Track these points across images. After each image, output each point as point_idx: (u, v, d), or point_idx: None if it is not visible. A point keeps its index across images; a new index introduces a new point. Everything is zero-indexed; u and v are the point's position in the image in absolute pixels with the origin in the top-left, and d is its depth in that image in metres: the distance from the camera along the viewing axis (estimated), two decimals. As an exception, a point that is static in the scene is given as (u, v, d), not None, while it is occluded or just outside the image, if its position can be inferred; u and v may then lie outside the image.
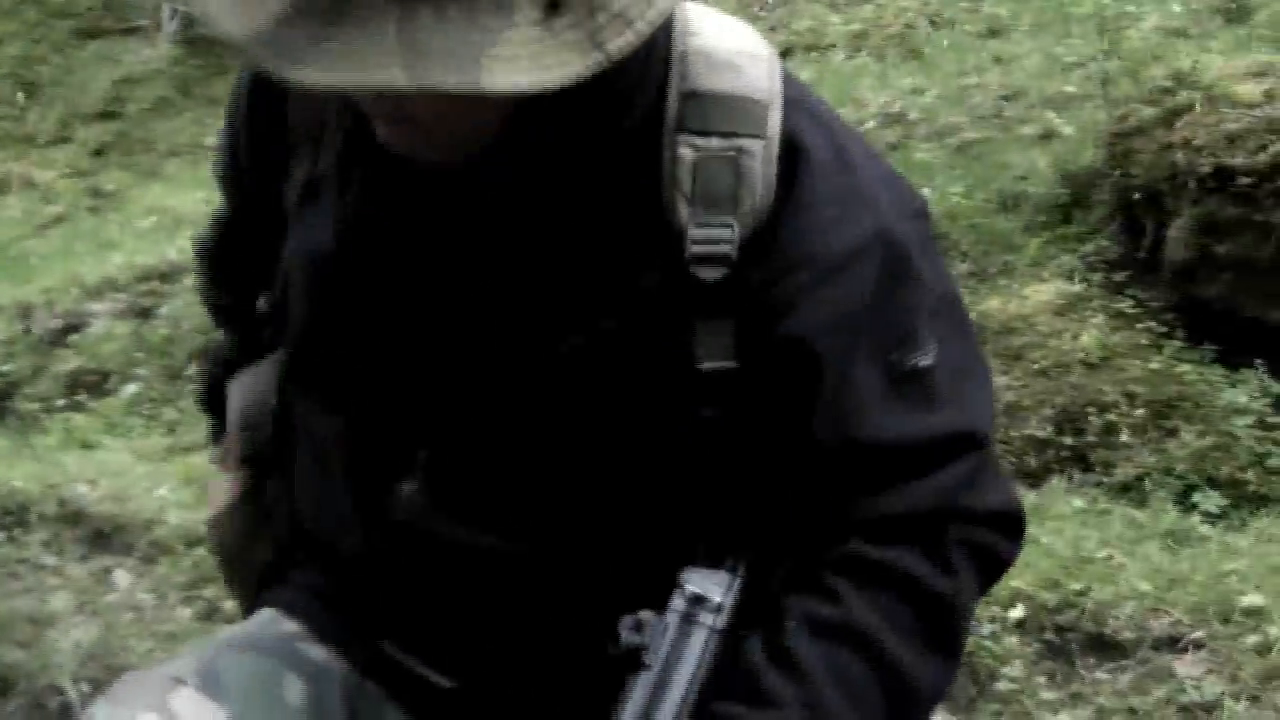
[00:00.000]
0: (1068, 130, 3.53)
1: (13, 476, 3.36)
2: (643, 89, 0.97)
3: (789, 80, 1.01)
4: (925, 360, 0.98)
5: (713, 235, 0.96)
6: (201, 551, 2.86)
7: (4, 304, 4.28)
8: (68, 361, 3.94)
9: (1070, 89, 3.76)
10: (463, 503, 1.02)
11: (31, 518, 3.20)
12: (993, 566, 1.06)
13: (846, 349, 0.98)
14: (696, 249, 0.96)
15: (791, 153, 0.97)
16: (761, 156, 0.96)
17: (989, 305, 3.01)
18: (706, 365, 0.98)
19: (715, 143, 0.96)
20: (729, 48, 0.99)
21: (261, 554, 1.18)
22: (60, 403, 3.83)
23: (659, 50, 0.97)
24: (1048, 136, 3.57)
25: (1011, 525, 1.06)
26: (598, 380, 0.99)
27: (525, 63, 0.81)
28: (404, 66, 0.79)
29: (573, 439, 1.00)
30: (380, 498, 1.04)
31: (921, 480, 0.99)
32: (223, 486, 1.20)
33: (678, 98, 0.97)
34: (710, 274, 0.97)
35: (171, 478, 3.16)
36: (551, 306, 0.99)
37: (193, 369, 3.65)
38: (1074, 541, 2.39)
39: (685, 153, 0.96)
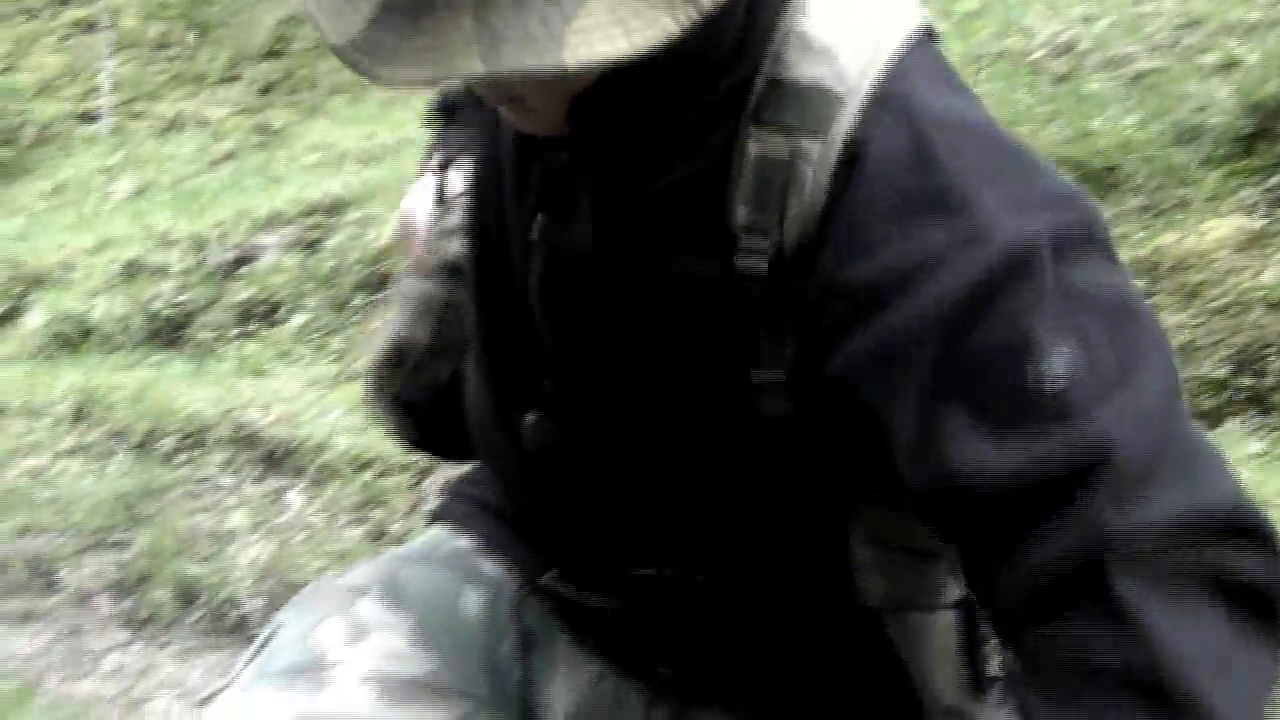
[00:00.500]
0: (1251, 59, 3.36)
1: (191, 401, 3.51)
2: (731, 69, 0.89)
3: (905, 68, 0.88)
4: (1049, 370, 0.82)
5: (753, 245, 0.89)
6: (369, 475, 2.96)
7: (180, 237, 4.44)
8: (240, 292, 4.08)
9: (1254, 15, 3.58)
10: (583, 437, 1.03)
11: (209, 440, 3.34)
12: (1239, 591, 0.78)
13: (906, 383, 0.84)
14: (739, 260, 0.89)
15: (851, 158, 0.86)
16: (817, 160, 0.86)
17: (1163, 240, 2.90)
18: (757, 374, 0.91)
19: (777, 140, 0.88)
20: (834, 31, 0.89)
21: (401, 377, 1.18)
22: (233, 331, 3.97)
23: (761, 30, 0.89)
24: (1229, 65, 3.41)
25: (1229, 530, 0.79)
26: (664, 355, 0.95)
27: (610, 30, 0.77)
28: (480, 55, 0.77)
29: (652, 397, 0.98)
30: (513, 422, 1.05)
31: (1055, 516, 0.80)
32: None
33: (764, 84, 0.88)
34: (753, 287, 0.89)
35: (339, 404, 3.25)
36: (628, 276, 0.96)
37: (358, 299, 3.74)
38: (1252, 486, 2.30)
39: (752, 147, 0.88)
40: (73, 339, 4.38)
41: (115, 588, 2.98)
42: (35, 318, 4.62)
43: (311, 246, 4.10)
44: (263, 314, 3.95)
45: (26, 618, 2.99)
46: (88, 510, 3.24)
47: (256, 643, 1.10)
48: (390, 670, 1.05)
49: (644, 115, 0.91)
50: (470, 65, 0.77)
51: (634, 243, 0.95)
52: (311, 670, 1.04)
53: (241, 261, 4.19)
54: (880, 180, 0.85)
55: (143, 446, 3.46)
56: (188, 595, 2.84)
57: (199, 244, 4.34)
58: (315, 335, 3.75)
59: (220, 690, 1.07)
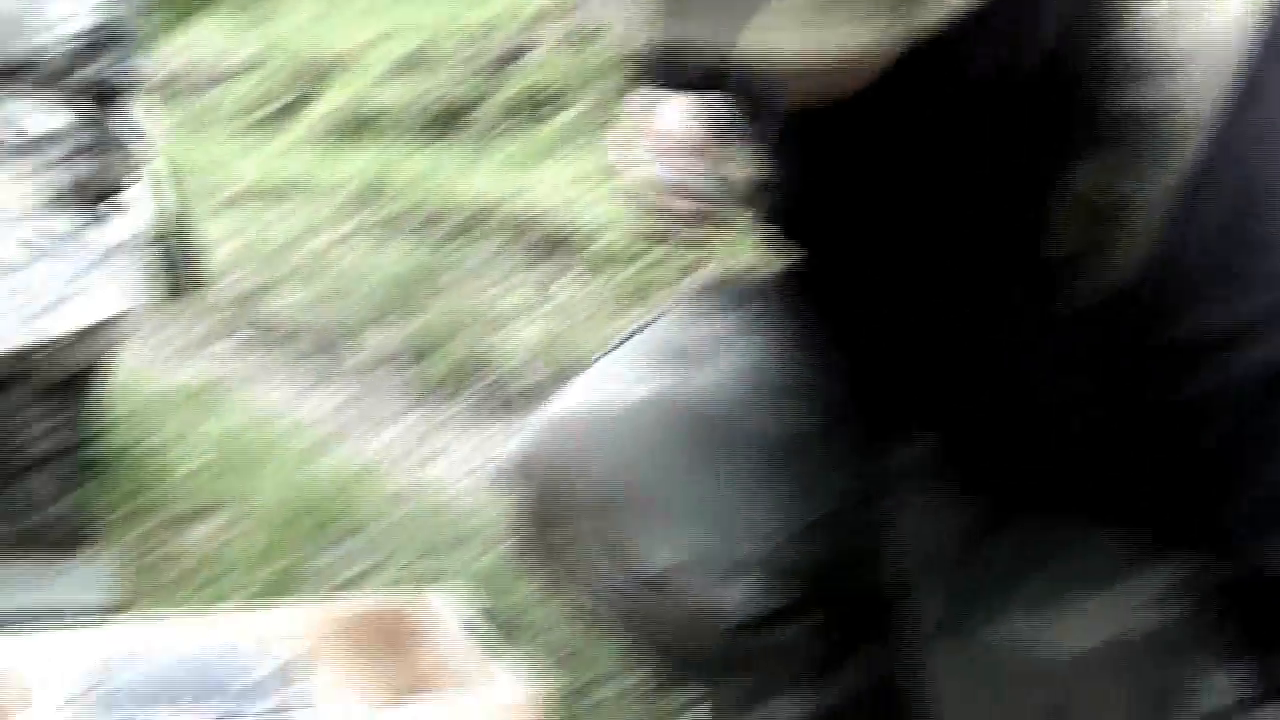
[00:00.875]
0: None
1: (466, 189, 3.60)
2: (1052, 78, 0.80)
3: (1262, 74, 0.78)
4: None
5: (1074, 268, 0.82)
6: (638, 267, 2.99)
7: (454, 29, 4.50)
8: (513, 85, 4.13)
9: None
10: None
11: (485, 226, 3.44)
12: None
13: (1208, 446, 0.82)
14: (1038, 285, 0.83)
15: (1187, 197, 0.77)
16: (1150, 195, 0.78)
17: None
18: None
19: (1109, 165, 0.78)
20: (1185, 35, 0.77)
21: None
22: (509, 122, 4.04)
23: (1096, 34, 0.78)
24: None
25: None
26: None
27: (810, 22, 0.68)
28: (662, 14, 0.71)
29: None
30: None
31: None
32: None
33: (1097, 99, 0.78)
34: (1055, 313, 0.84)
35: (611, 196, 3.28)
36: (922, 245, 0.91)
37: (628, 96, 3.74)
38: None
39: (1077, 171, 0.79)
40: (356, 126, 4.55)
41: (397, 361, 3.14)
42: (321, 106, 4.81)
43: (583, 42, 4.10)
44: (538, 105, 3.99)
45: (316, 384, 3.20)
46: (371, 287, 3.40)
47: (622, 335, 1.15)
48: (756, 373, 1.08)
49: (941, 109, 0.83)
50: (649, 24, 0.72)
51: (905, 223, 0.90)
52: (676, 359, 1.08)
53: (514, 55, 4.23)
54: (1211, 229, 0.78)
55: (422, 229, 3.59)
56: (465, 371, 2.97)
57: (476, 36, 4.39)
58: (589, 128, 3.77)
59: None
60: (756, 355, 1.09)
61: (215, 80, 5.56)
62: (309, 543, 2.17)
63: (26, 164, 1.95)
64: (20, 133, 1.94)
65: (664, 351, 1.09)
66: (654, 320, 1.14)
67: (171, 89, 5.54)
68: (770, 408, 1.07)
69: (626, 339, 1.13)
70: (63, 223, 1.99)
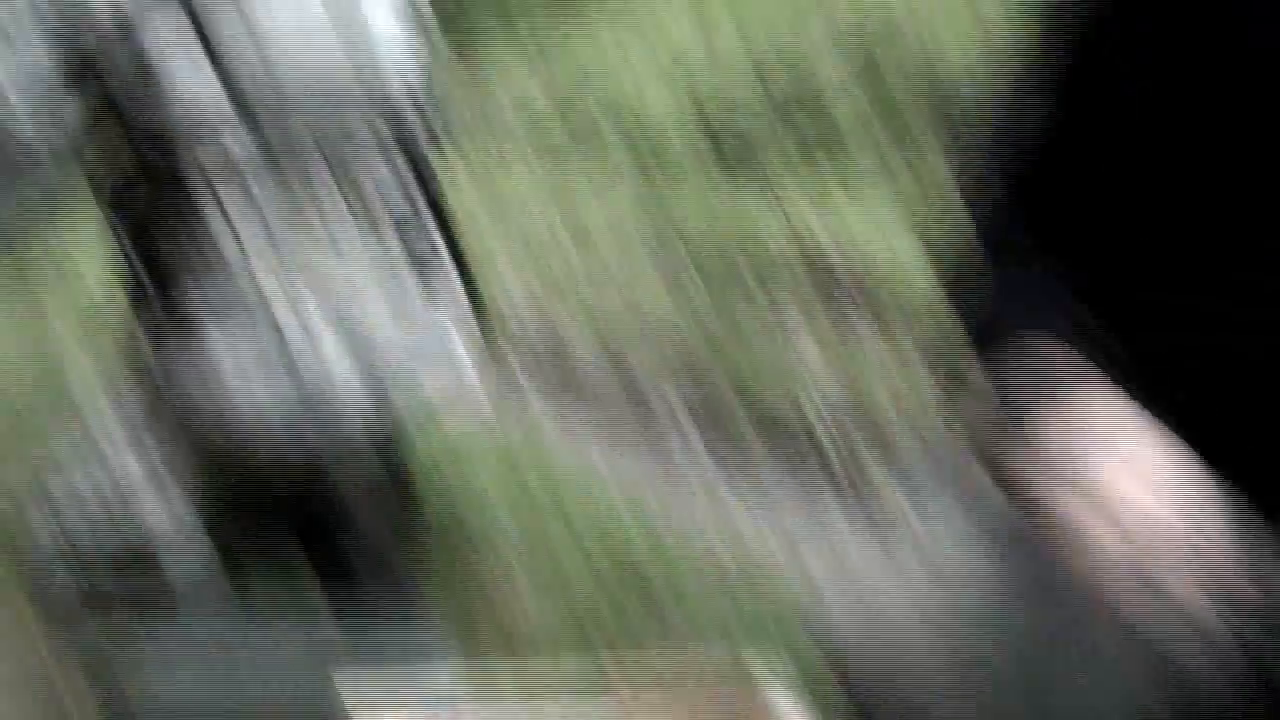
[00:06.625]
0: None
1: (759, 233, 3.57)
2: None
3: None
4: None
5: None
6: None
7: (743, 65, 4.48)
8: (802, 123, 4.08)
9: None
10: None
11: (778, 274, 3.40)
12: None
13: None
14: None
15: None
16: None
17: None
18: None
19: None
20: None
21: None
22: (798, 162, 3.98)
23: None
24: None
25: None
26: None
27: None
28: None
29: None
30: None
31: None
32: None
33: None
34: None
35: (912, 242, 3.19)
36: None
37: (926, 133, 3.63)
38: None
39: None
40: (644, 166, 4.57)
41: (698, 415, 3.12)
42: (608, 146, 4.86)
43: (875, 74, 4.01)
44: (827, 145, 3.93)
45: (618, 441, 3.21)
46: (668, 334, 3.39)
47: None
48: None
49: None
50: None
51: None
52: None
53: (805, 92, 4.18)
54: None
55: (716, 275, 3.57)
56: (767, 427, 2.93)
57: (759, 67, 4.36)
58: (879, 164, 3.69)
59: None
60: None
61: (496, 121, 5.70)
62: (628, 610, 2.18)
63: (372, 229, 1.97)
64: (360, 198, 1.96)
65: None
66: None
67: (458, 131, 5.70)
68: None
69: None
70: (409, 285, 2.00)
